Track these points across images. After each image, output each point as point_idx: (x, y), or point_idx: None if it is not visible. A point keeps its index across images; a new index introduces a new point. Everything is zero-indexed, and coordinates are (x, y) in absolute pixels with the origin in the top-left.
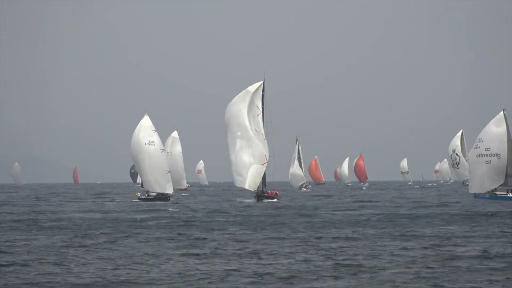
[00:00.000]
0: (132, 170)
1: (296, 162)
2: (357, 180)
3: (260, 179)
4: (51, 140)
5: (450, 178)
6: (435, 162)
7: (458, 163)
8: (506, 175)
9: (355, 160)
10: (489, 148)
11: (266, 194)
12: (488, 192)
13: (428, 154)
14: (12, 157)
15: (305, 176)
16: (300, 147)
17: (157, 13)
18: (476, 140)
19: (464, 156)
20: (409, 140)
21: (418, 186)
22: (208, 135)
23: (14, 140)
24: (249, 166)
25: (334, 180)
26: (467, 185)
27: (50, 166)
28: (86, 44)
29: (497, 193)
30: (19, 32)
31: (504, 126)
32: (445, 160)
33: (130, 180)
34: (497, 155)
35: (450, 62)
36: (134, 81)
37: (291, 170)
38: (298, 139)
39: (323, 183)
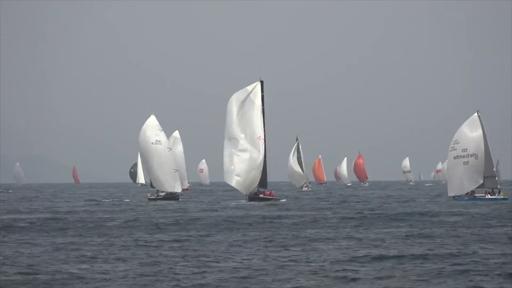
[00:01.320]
0: (132, 170)
1: (296, 160)
2: (357, 179)
3: (255, 185)
4: (51, 140)
5: None
6: (435, 162)
7: None
8: (484, 176)
9: (354, 160)
10: (466, 149)
11: (262, 195)
12: (466, 194)
13: (428, 154)
14: (12, 157)
15: (305, 175)
16: (300, 146)
17: (157, 13)
18: (452, 142)
19: None
20: (409, 140)
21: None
22: (208, 135)
23: (14, 140)
24: (250, 170)
25: (335, 179)
26: None
27: (50, 166)
28: (86, 44)
29: (476, 195)
30: (19, 32)
31: (480, 127)
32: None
33: (130, 180)
34: (474, 155)
35: (450, 62)
36: (134, 81)
37: (290, 168)
38: (298, 138)
39: (325, 183)
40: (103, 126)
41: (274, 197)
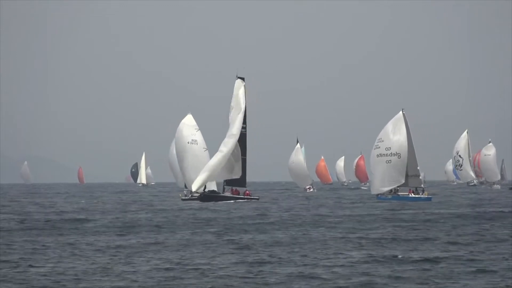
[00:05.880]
0: (133, 170)
1: (298, 160)
2: (357, 180)
3: (203, 185)
4: (51, 140)
5: (456, 178)
6: (438, 162)
7: (461, 165)
8: (407, 175)
9: (356, 161)
10: (389, 147)
11: (229, 193)
12: (390, 192)
13: (430, 154)
14: (12, 157)
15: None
16: (303, 148)
17: (157, 13)
18: (376, 140)
19: (468, 157)
20: None
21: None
22: (207, 135)
23: (14, 140)
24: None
25: (336, 179)
26: (472, 185)
27: (51, 166)
28: (86, 44)
29: (399, 193)
30: (19, 32)
31: (403, 126)
32: (450, 161)
33: (131, 180)
34: (397, 154)
35: (450, 62)
36: (134, 81)
37: (296, 169)
38: (298, 140)
39: (331, 183)
40: (103, 126)
41: (251, 197)
